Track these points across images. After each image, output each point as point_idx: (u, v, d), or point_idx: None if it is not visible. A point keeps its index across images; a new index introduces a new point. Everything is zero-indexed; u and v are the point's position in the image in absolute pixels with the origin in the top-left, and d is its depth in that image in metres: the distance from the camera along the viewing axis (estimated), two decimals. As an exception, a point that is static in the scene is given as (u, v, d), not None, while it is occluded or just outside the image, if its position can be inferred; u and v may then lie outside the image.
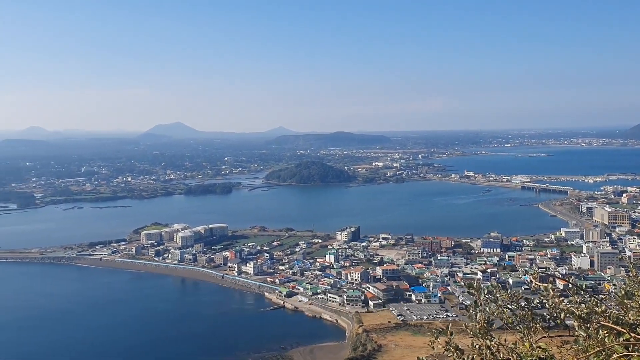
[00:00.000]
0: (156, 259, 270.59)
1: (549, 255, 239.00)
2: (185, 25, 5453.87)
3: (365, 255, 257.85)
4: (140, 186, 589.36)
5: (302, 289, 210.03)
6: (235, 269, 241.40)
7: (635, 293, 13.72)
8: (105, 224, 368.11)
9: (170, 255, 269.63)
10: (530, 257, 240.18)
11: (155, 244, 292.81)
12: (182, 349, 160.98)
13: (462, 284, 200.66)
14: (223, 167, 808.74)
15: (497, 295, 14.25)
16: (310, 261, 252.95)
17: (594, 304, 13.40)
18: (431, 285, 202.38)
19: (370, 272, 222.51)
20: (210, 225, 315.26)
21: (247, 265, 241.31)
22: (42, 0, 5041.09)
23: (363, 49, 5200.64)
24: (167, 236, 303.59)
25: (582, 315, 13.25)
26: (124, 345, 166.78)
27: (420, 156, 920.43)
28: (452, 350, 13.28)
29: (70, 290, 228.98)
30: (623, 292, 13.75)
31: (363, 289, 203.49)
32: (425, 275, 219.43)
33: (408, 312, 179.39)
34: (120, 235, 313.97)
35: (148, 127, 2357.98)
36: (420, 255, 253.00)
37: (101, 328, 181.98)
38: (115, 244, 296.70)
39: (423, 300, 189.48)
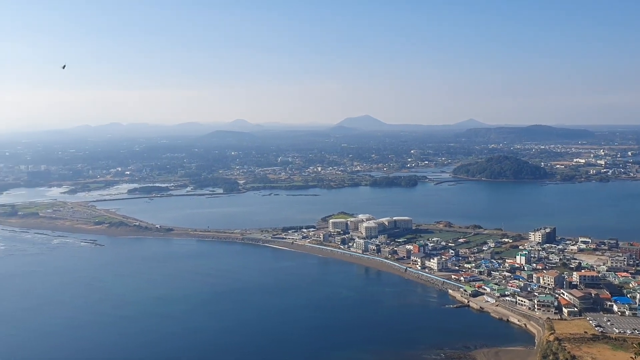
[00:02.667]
0: (342, 246, 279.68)
1: None
2: (373, 20, 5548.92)
3: (560, 259, 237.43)
4: (329, 176, 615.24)
5: (488, 289, 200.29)
6: (419, 263, 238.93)
7: None
8: (296, 211, 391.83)
9: (355, 244, 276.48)
10: None
11: (341, 232, 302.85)
12: (362, 335, 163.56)
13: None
14: (409, 159, 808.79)
15: None
16: (499, 261, 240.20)
17: None
18: (638, 296, 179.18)
19: (566, 277, 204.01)
20: (395, 218, 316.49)
21: (431, 260, 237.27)
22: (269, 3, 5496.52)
23: (562, 38, 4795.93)
24: (352, 225, 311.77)
25: None
26: (306, 325, 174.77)
27: (629, 153, 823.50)
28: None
29: (265, 270, 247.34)
30: None
31: (556, 295, 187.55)
32: (630, 285, 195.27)
33: (608, 323, 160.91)
34: (310, 222, 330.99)
35: (338, 120, 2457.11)
36: (625, 262, 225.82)
37: (288, 307, 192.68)
38: (305, 230, 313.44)
39: (627, 313, 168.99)
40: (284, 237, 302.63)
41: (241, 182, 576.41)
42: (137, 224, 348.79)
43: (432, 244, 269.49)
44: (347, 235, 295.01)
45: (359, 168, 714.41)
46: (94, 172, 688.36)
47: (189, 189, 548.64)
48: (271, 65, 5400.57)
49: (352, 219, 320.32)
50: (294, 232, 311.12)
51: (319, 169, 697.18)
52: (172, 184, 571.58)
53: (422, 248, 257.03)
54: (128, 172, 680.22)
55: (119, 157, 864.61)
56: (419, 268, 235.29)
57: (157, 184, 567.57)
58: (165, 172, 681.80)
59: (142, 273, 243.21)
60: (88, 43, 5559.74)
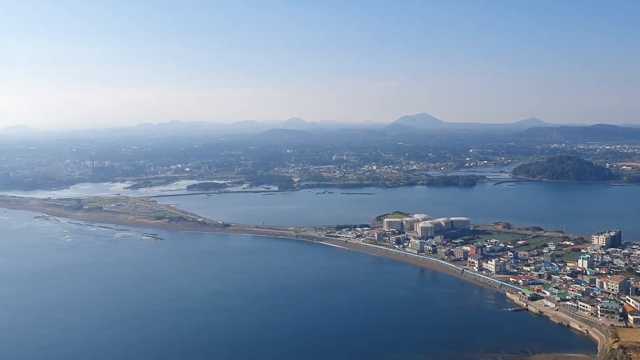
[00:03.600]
0: (396, 246, 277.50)
1: None
2: (431, 18, 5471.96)
3: (626, 264, 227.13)
4: (384, 175, 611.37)
5: (548, 293, 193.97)
6: (476, 265, 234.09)
7: None
8: (351, 209, 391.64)
9: (410, 244, 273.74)
10: None
11: (396, 232, 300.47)
12: (417, 336, 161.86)
13: None
14: (467, 159, 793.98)
15: None
16: (560, 264, 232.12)
17: None
18: None
19: (632, 283, 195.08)
20: (451, 218, 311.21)
21: (489, 262, 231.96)
22: (325, 3, 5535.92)
23: (631, 32, 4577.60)
24: (407, 225, 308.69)
25: None
26: (359, 323, 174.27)
27: None
28: None
29: (318, 267, 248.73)
30: None
31: (621, 301, 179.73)
32: None
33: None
34: (364, 221, 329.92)
35: (394, 118, 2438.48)
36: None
37: (342, 305, 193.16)
38: (359, 229, 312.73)
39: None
40: (338, 235, 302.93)
41: (296, 179, 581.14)
42: (195, 219, 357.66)
43: (490, 246, 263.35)
44: (402, 235, 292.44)
45: (415, 167, 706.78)
46: (155, 169, 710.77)
47: (245, 186, 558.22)
48: (327, 64, 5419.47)
49: (407, 219, 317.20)
50: (348, 230, 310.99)
51: (374, 167, 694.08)
52: (229, 181, 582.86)
53: (479, 249, 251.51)
54: (187, 169, 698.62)
55: (179, 154, 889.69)
56: (476, 270, 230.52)
57: (214, 181, 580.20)
58: (223, 169, 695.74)
59: (200, 267, 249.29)
60: (152, 44, 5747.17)
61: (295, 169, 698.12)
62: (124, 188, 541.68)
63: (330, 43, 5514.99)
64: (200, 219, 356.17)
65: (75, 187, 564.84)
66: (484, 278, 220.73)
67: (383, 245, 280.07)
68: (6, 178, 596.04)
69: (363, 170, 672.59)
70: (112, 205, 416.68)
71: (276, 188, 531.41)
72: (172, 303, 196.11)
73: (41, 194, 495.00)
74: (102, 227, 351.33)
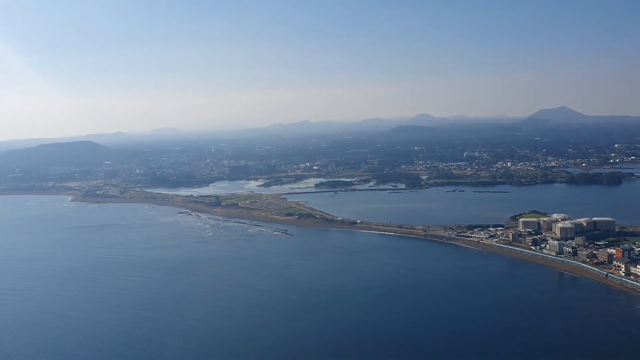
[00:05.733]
0: (533, 247, 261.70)
1: None
2: (568, 5, 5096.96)
3: None
4: (519, 172, 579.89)
5: None
6: (622, 269, 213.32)
7: None
8: (482, 208, 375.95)
9: (547, 245, 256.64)
10: None
11: (533, 232, 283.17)
12: (556, 343, 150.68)
13: None
14: (612, 154, 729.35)
15: None
16: None
17: None
18: None
19: None
20: (594, 218, 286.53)
21: (637, 266, 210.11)
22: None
23: None
24: (545, 225, 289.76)
25: None
26: (492, 326, 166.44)
27: None
28: None
29: (448, 267, 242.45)
30: None
31: None
32: None
33: None
34: (497, 221, 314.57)
35: (530, 112, 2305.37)
36: None
37: (474, 306, 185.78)
38: (492, 229, 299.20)
39: None
40: (469, 235, 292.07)
41: (424, 177, 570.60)
42: (323, 216, 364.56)
43: (638, 249, 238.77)
44: (539, 236, 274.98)
45: (553, 163, 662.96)
46: (285, 167, 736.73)
47: (371, 183, 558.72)
48: (457, 58, 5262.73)
49: (545, 219, 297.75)
50: (480, 230, 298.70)
51: (509, 164, 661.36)
52: (355, 179, 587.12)
53: (626, 252, 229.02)
54: (315, 167, 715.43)
55: (307, 153, 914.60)
56: (623, 274, 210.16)
57: (341, 179, 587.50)
58: (350, 167, 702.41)
59: (327, 263, 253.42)
60: (282, 47, 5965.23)
61: (424, 166, 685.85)
62: (257, 186, 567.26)
63: (458, 38, 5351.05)
64: (328, 216, 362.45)
65: (214, 184, 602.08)
66: (631, 284, 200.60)
67: (518, 247, 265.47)
68: (154, 176, 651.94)
69: (496, 167, 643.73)
70: (247, 202, 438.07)
71: (403, 186, 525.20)
72: (298, 297, 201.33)
73: (184, 192, 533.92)
74: (238, 222, 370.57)
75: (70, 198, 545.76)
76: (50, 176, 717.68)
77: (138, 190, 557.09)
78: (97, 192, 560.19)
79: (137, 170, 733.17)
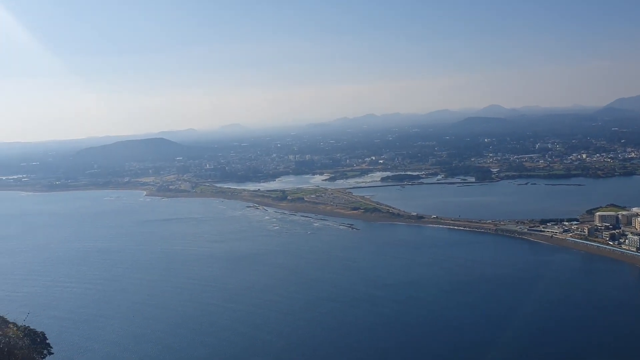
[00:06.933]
0: (610, 242, 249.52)
1: None
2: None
3: None
4: (595, 164, 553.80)
5: None
6: None
7: None
8: (556, 202, 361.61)
9: (627, 240, 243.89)
10: None
11: (610, 227, 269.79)
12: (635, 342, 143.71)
13: None
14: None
15: None
16: None
17: None
18: None
19: None
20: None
21: None
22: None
23: None
24: (624, 220, 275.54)
25: None
26: (565, 324, 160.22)
27: None
28: None
29: (519, 263, 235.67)
30: None
31: None
32: None
33: None
34: (572, 214, 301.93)
35: (608, 101, 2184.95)
36: None
37: (546, 303, 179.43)
38: (566, 223, 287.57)
39: None
40: (542, 229, 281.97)
41: (494, 170, 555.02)
42: (389, 210, 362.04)
43: None
44: (617, 231, 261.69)
45: (633, 155, 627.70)
46: (350, 161, 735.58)
47: (439, 177, 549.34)
48: (528, 47, 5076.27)
49: (624, 212, 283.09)
50: (554, 224, 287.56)
51: (584, 156, 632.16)
52: (422, 172, 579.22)
53: None
54: (381, 161, 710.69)
55: (373, 147, 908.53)
56: None
57: (408, 172, 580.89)
58: (416, 161, 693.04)
59: (394, 258, 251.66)
60: (347, 40, 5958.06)
61: (494, 158, 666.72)
62: (322, 180, 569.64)
63: (528, 27, 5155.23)
64: (394, 211, 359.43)
65: (280, 179, 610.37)
66: None
67: (594, 242, 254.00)
68: (223, 172, 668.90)
69: (571, 159, 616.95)
70: (312, 196, 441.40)
71: (473, 179, 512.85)
72: (366, 290, 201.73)
73: (251, 186, 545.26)
74: (303, 216, 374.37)
75: (145, 193, 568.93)
76: (126, 172, 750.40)
77: (208, 185, 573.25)
78: (170, 187, 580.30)
79: (207, 165, 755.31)
